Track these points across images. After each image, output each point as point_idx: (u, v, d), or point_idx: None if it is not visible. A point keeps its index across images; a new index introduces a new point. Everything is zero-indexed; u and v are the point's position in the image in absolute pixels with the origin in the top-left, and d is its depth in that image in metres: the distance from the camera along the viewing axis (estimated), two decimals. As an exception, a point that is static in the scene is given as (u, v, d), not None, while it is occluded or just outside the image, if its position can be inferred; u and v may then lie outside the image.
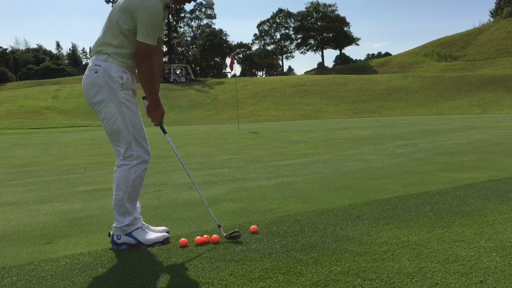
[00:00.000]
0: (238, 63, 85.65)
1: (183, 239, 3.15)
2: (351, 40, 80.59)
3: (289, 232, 3.31)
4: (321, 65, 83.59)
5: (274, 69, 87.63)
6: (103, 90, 3.07)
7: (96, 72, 3.09)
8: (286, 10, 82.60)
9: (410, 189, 4.82)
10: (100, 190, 5.75)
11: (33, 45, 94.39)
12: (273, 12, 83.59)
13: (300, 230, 3.35)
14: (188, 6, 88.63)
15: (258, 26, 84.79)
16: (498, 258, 2.59)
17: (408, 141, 10.95)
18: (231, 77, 69.67)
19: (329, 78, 51.70)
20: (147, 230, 3.23)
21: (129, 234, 3.15)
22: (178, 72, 58.20)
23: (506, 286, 2.23)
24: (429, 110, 37.49)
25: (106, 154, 10.61)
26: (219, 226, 3.31)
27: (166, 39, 72.58)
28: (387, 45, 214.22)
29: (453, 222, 3.39)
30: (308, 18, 79.79)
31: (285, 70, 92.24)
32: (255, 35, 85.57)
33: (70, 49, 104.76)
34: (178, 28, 78.37)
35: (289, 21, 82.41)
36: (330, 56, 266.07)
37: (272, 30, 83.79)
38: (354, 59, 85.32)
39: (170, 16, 72.89)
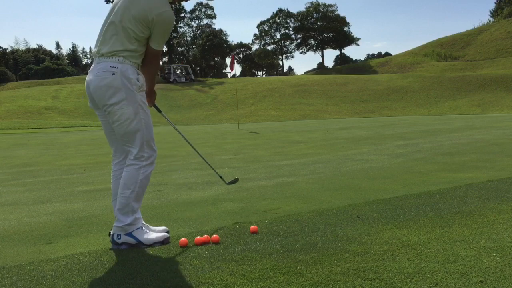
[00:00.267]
0: (238, 63, 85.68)
1: (183, 239, 3.15)
2: (351, 40, 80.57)
3: (289, 232, 3.31)
4: (321, 65, 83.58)
5: (274, 69, 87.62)
6: (121, 92, 3.07)
7: (113, 74, 3.07)
8: (286, 10, 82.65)
9: (410, 189, 4.82)
10: (100, 190, 5.76)
11: (33, 45, 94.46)
12: (273, 12, 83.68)
13: (300, 230, 3.35)
14: (188, 6, 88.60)
15: (258, 26, 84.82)
16: (498, 258, 2.59)
17: (408, 141, 10.95)
18: (231, 77, 69.71)
19: (329, 78, 51.70)
20: (147, 230, 3.23)
21: (129, 234, 3.15)
22: (178, 72, 58.19)
23: (506, 286, 2.23)
24: (429, 110, 37.49)
25: (106, 154, 10.61)
26: (221, 177, 3.99)
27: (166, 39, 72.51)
28: (387, 45, 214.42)
29: (453, 222, 3.39)
30: (308, 18, 79.77)
31: (285, 70, 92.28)
32: (255, 35, 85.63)
33: (70, 49, 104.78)
34: (178, 28, 78.32)
35: (289, 21, 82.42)
36: (330, 56, 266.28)
37: (272, 30, 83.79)
38: (354, 59, 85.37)
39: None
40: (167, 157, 9.41)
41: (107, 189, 5.59)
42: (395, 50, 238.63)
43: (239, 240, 3.17)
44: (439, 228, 3.25)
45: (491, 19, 71.97)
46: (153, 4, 3.05)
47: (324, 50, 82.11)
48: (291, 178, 6.06)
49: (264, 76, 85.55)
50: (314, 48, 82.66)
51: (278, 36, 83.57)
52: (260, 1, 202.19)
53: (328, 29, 78.05)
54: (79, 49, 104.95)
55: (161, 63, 70.41)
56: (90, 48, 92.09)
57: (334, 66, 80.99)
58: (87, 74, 3.26)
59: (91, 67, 3.24)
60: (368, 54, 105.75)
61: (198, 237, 3.18)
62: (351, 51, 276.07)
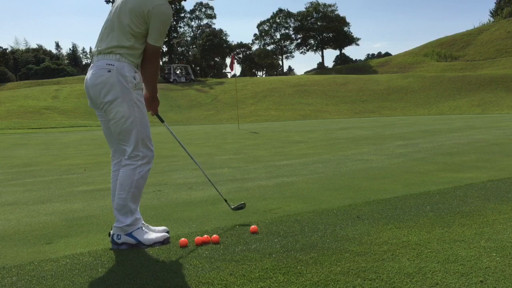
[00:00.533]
0: (238, 63, 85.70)
1: (183, 239, 3.15)
2: (351, 40, 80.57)
3: (289, 232, 3.31)
4: (321, 65, 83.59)
5: (274, 69, 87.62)
6: (116, 90, 3.06)
7: (109, 71, 3.07)
8: (286, 10, 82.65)
9: (410, 189, 4.82)
10: (100, 190, 5.76)
11: (33, 45, 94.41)
12: (273, 12, 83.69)
13: (300, 230, 3.35)
14: (188, 6, 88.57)
15: (258, 26, 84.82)
16: (498, 258, 2.59)
17: (408, 141, 10.95)
18: (231, 77, 69.71)
19: (329, 78, 51.71)
20: (147, 230, 3.23)
21: (129, 234, 3.15)
22: (178, 72, 58.20)
23: (506, 286, 2.23)
24: (429, 110, 37.50)
25: (106, 154, 10.61)
26: (225, 200, 3.66)
27: (166, 39, 72.52)
28: (387, 45, 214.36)
29: (453, 222, 3.39)
30: (308, 18, 79.79)
31: (285, 70, 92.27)
32: (255, 35, 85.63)
33: (70, 49, 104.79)
34: (178, 28, 78.34)
35: (289, 21, 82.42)
36: (330, 56, 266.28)
37: (272, 30, 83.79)
38: (354, 59, 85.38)
39: (170, 16, 72.79)
40: (167, 157, 9.41)
41: (107, 189, 5.59)
42: (395, 50, 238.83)
43: (239, 240, 3.16)
44: (439, 228, 3.25)
45: (491, 19, 71.98)
46: None
47: (324, 50, 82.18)
48: (291, 178, 6.06)
49: (264, 76, 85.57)
50: (314, 48, 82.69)
51: (278, 36, 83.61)
52: (260, 1, 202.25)
53: (328, 29, 78.06)
54: (79, 49, 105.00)
55: (161, 63, 70.43)
56: (90, 48, 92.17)
57: (334, 66, 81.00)
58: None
59: (91, 65, 3.24)
60: (368, 54, 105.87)
61: (198, 237, 3.18)
62: (351, 51, 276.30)
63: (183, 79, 56.06)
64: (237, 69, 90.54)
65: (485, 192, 4.45)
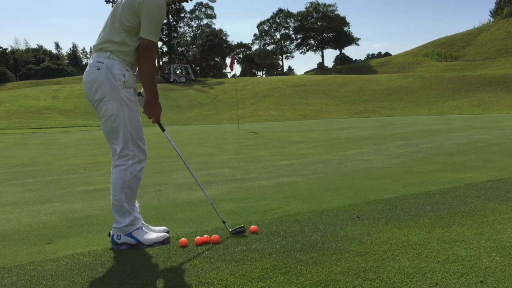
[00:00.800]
0: (238, 63, 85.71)
1: (183, 239, 3.14)
2: (351, 40, 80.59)
3: (289, 232, 3.31)
4: (321, 65, 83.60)
5: (274, 69, 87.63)
6: (104, 87, 3.04)
7: (99, 68, 3.06)
8: (286, 10, 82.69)
9: (410, 189, 4.82)
10: (100, 190, 5.76)
11: (33, 45, 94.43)
12: (273, 12, 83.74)
13: (300, 230, 3.35)
14: (188, 6, 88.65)
15: (258, 26, 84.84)
16: (498, 258, 2.59)
17: (408, 141, 10.95)
18: (231, 77, 69.71)
19: (329, 78, 51.71)
20: (147, 230, 3.23)
21: (129, 234, 3.14)
22: (178, 72, 58.22)
23: (506, 286, 2.23)
24: (429, 110, 37.50)
25: (106, 154, 10.61)
26: (224, 222, 3.36)
27: (166, 39, 72.59)
28: (387, 45, 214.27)
29: (453, 222, 3.39)
30: (308, 18, 79.82)
31: (285, 70, 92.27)
32: (255, 35, 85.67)
33: (70, 49, 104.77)
34: (178, 28, 78.36)
35: (289, 21, 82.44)
36: (330, 56, 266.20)
37: (272, 30, 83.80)
38: (354, 59, 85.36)
39: (170, 16, 72.87)
40: (167, 157, 9.41)
41: (107, 189, 5.59)
42: (395, 50, 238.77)
43: (239, 240, 3.16)
44: (439, 228, 3.25)
45: (491, 19, 72.00)
46: None
47: (324, 50, 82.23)
48: (291, 178, 6.06)
49: (264, 76, 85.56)
50: (314, 48, 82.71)
51: (278, 36, 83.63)
52: (260, 1, 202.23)
53: (328, 29, 78.08)
54: (79, 49, 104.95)
55: (161, 63, 70.43)
56: (90, 48, 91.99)
57: (334, 66, 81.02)
58: None
59: None
60: (368, 54, 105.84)
61: (198, 237, 3.18)
62: (351, 51, 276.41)
63: (183, 79, 56.07)
64: (237, 69, 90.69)
65: (485, 192, 4.45)
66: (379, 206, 4.06)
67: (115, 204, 3.12)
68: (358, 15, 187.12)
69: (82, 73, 3.33)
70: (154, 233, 3.24)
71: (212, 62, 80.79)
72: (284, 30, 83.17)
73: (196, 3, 77.30)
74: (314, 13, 79.50)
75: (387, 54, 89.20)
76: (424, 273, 2.41)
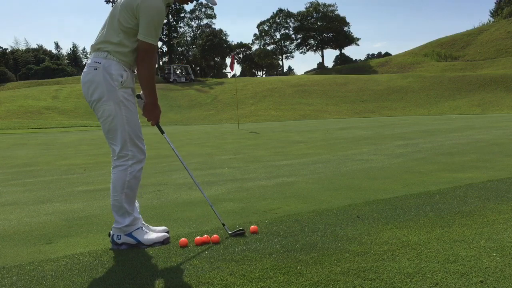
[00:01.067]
0: (238, 63, 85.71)
1: (183, 239, 3.14)
2: (351, 40, 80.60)
3: (289, 232, 3.31)
4: (321, 65, 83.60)
5: (274, 69, 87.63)
6: (102, 88, 3.03)
7: (96, 69, 3.06)
8: (286, 10, 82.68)
9: (410, 189, 4.82)
10: (100, 190, 5.76)
11: (33, 45, 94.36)
12: (273, 12, 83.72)
13: (300, 230, 3.35)
14: (188, 6, 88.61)
15: (258, 26, 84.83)
16: (498, 258, 2.59)
17: (408, 141, 10.95)
18: (231, 77, 69.74)
19: (329, 78, 51.71)
20: (147, 230, 3.23)
21: (129, 234, 3.14)
22: (178, 72, 58.22)
23: (506, 286, 2.23)
24: (429, 110, 37.50)
25: (106, 154, 10.61)
26: (224, 225, 3.34)
27: (166, 39, 72.59)
28: (387, 45, 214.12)
29: (453, 222, 3.39)
30: (308, 18, 79.82)
31: (285, 70, 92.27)
32: (255, 35, 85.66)
33: (70, 49, 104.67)
34: (178, 28, 78.36)
35: (289, 21, 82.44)
36: (330, 56, 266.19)
37: (272, 30, 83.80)
38: (354, 59, 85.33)
39: (170, 16, 72.89)
40: (167, 157, 9.41)
41: (107, 189, 5.58)
42: (395, 50, 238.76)
43: (239, 240, 3.16)
44: (439, 228, 3.25)
45: (491, 19, 72.00)
46: None
47: (324, 50, 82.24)
48: (291, 178, 6.06)
49: (264, 76, 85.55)
50: (314, 48, 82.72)
51: (278, 36, 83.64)
52: (260, 1, 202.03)
53: (328, 29, 78.09)
54: (79, 49, 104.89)
55: (161, 63, 70.43)
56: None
57: (334, 66, 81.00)
58: None
59: None
60: (368, 54, 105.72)
61: (198, 237, 3.18)
62: (351, 51, 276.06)
63: (183, 79, 56.07)
64: (237, 69, 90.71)
65: (485, 192, 4.45)
66: (379, 206, 4.06)
67: (115, 204, 3.12)
68: (358, 15, 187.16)
69: (82, 73, 3.31)
70: (154, 233, 3.24)
71: (212, 62, 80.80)
72: (284, 30, 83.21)
73: (196, 3, 77.28)
74: (314, 13, 79.50)
75: (387, 54, 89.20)
76: (424, 273, 2.41)
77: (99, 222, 3.98)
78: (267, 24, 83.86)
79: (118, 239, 3.15)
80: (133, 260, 2.87)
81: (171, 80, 54.49)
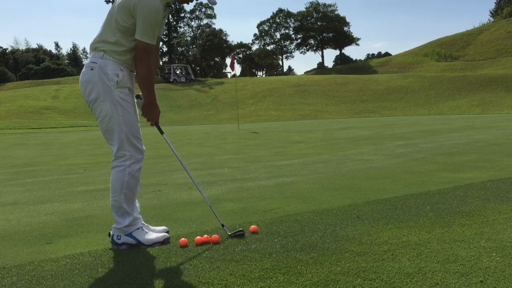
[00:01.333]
0: (238, 63, 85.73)
1: (183, 239, 3.14)
2: (351, 40, 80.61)
3: (289, 232, 3.31)
4: (321, 65, 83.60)
5: (274, 69, 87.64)
6: (98, 88, 3.04)
7: (92, 69, 3.06)
8: (286, 10, 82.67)
9: (410, 189, 4.82)
10: (100, 190, 5.76)
11: (33, 45, 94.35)
12: (273, 12, 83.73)
13: (300, 230, 3.35)
14: (188, 6, 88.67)
15: (258, 26, 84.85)
16: (498, 258, 2.59)
17: (408, 141, 10.95)
18: (231, 77, 69.77)
19: (329, 78, 51.71)
20: (147, 230, 3.23)
21: (129, 234, 3.14)
22: (178, 72, 58.22)
23: (506, 286, 2.23)
24: (429, 110, 37.50)
25: (106, 154, 10.61)
26: (223, 225, 3.34)
27: (166, 39, 72.58)
28: (387, 45, 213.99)
29: (453, 222, 3.39)
30: (308, 18, 79.83)
31: (285, 70, 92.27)
32: (255, 35, 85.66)
33: (70, 49, 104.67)
34: (178, 28, 78.36)
35: (289, 21, 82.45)
36: (330, 56, 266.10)
37: (272, 30, 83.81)
38: (354, 59, 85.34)
39: (170, 16, 72.88)
40: (167, 157, 9.41)
41: (107, 189, 5.58)
42: (395, 50, 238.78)
43: (239, 240, 3.17)
44: (439, 228, 3.25)
45: (491, 19, 71.99)
46: None
47: (324, 50, 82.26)
48: (291, 178, 6.06)
49: (264, 76, 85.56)
50: (314, 48, 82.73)
51: (278, 36, 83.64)
52: (260, 1, 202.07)
53: (328, 29, 78.09)
54: (80, 49, 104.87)
55: (160, 63, 70.34)
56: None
57: (334, 66, 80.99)
58: None
59: None
60: (368, 54, 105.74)
61: (198, 237, 3.18)
62: (351, 51, 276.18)
63: (183, 79, 56.08)
64: (237, 69, 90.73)
65: (485, 192, 4.45)
66: (379, 206, 4.06)
67: (115, 205, 3.12)
68: (358, 15, 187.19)
69: (82, 73, 3.31)
70: (154, 233, 3.24)
71: (212, 62, 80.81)
72: (284, 30, 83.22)
73: (196, 3, 77.33)
74: (314, 13, 79.51)
75: (387, 54, 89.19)
76: (424, 273, 2.41)
77: (99, 222, 3.98)
78: (267, 24, 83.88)
79: (118, 239, 3.15)
80: (133, 260, 2.87)
81: (171, 80, 54.49)
